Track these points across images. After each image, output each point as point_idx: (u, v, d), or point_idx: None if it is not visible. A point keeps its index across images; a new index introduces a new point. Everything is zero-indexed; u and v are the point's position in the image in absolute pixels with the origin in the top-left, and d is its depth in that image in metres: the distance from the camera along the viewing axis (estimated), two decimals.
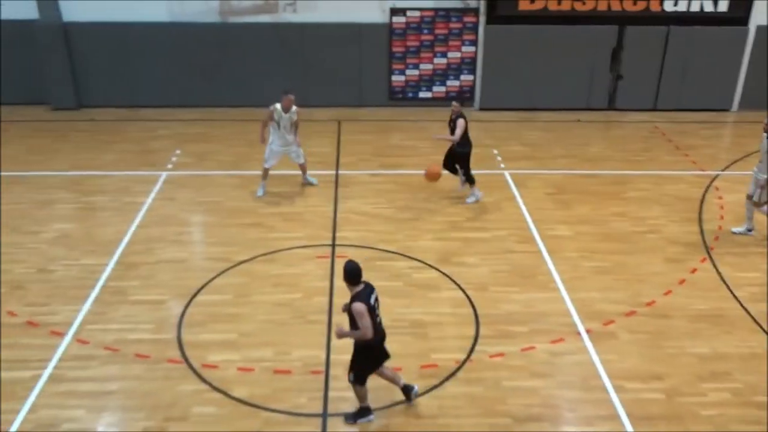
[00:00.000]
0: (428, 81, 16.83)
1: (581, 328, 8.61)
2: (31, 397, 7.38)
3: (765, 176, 10.33)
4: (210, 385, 7.55)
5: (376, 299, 6.75)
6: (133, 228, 10.93)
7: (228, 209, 11.60)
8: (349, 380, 6.93)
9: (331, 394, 7.48)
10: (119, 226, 10.95)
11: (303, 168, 12.35)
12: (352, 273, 6.62)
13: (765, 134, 10.30)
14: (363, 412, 7.12)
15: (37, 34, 15.71)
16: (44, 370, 7.76)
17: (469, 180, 11.84)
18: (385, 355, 6.98)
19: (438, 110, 16.19)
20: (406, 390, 7.26)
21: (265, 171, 11.95)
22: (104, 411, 7.23)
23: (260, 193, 12.02)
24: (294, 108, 11.61)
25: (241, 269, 9.80)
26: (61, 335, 8.34)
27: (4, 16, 15.77)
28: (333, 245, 10.48)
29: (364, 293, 6.64)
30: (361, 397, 7.05)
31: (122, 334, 8.38)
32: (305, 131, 14.69)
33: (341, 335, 6.71)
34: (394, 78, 16.76)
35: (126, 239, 10.60)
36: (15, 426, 7.00)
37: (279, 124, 11.64)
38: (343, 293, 9.09)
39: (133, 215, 11.31)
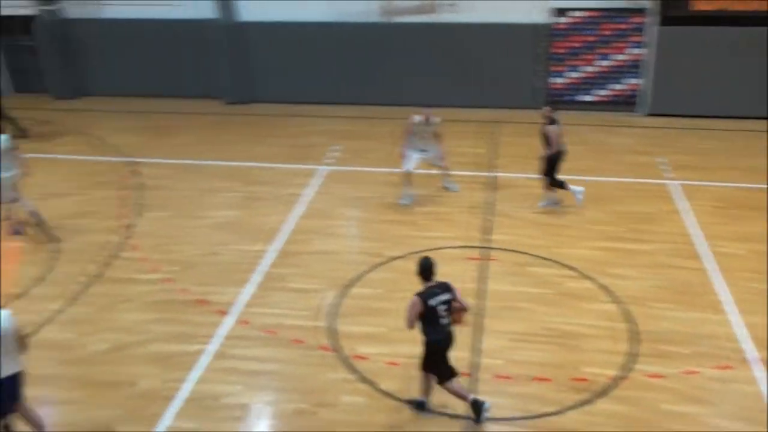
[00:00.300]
0: (589, 84, 16.30)
1: (754, 356, 7.97)
2: (197, 369, 7.95)
3: None
4: (360, 375, 7.76)
5: (445, 302, 6.75)
6: (291, 218, 11.45)
7: (382, 206, 11.85)
8: (423, 369, 7.05)
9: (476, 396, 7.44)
10: (279, 216, 11.51)
11: (444, 169, 12.17)
12: (423, 269, 6.80)
13: None
14: (417, 404, 7.22)
15: (214, 33, 16.82)
16: (209, 346, 8.33)
17: (554, 184, 11.37)
18: (445, 363, 6.94)
19: (598, 115, 15.68)
20: (476, 405, 6.99)
21: (407, 176, 11.71)
22: (261, 390, 7.65)
23: (404, 201, 11.77)
24: (436, 119, 11.53)
25: (393, 265, 9.98)
26: (225, 315, 8.91)
27: (185, 16, 17.04)
28: (485, 247, 10.42)
29: (428, 292, 6.73)
30: (424, 389, 7.14)
31: (280, 318, 8.81)
32: (460, 132, 14.78)
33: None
34: (552, 80, 16.38)
35: (285, 228, 11.12)
36: (182, 394, 7.57)
37: (416, 136, 11.64)
38: (494, 297, 9.14)
39: (291, 206, 11.83)
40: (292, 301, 9.19)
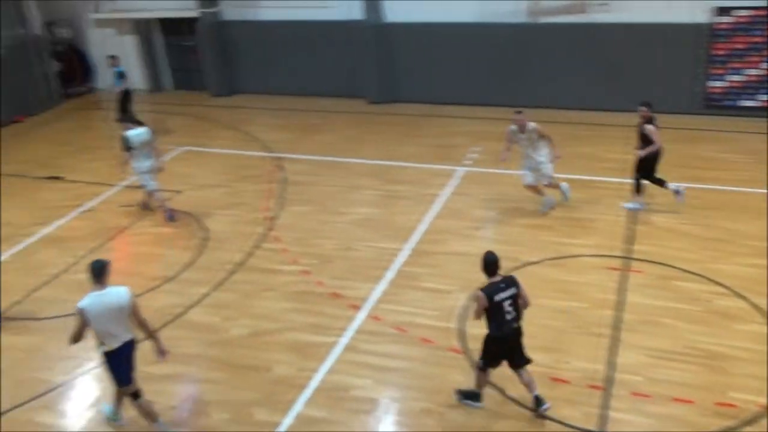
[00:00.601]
0: (753, 88, 15.12)
1: None
2: (329, 360, 8.18)
3: None
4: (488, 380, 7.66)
5: (510, 297, 6.85)
6: (427, 218, 11.50)
7: (519, 209, 11.63)
8: (478, 367, 7.22)
9: (609, 413, 7.14)
10: (415, 215, 11.60)
11: (550, 186, 11.49)
12: (487, 264, 6.93)
13: None
14: (473, 395, 7.31)
15: (361, 34, 17.22)
16: (341, 338, 8.55)
17: (655, 182, 11.05)
18: (507, 351, 7.04)
19: (761, 121, 14.52)
20: (538, 402, 7.07)
21: (533, 188, 11.37)
22: (388, 385, 7.75)
23: (543, 209, 11.51)
24: (531, 125, 10.92)
25: (528, 270, 9.77)
26: (358, 309, 9.11)
27: (335, 17, 17.57)
28: (627, 258, 9.96)
29: (493, 287, 6.83)
30: (478, 382, 7.25)
31: (410, 317, 8.88)
32: (609, 137, 14.24)
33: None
34: (711, 83, 15.35)
35: (421, 228, 11.19)
36: (313, 383, 7.83)
37: (519, 145, 11.22)
38: (634, 310, 8.71)
39: (428, 206, 11.88)
40: (423, 301, 9.23)
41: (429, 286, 9.57)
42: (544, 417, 7.09)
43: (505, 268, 9.71)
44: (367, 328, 8.75)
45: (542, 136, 11.03)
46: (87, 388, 8.14)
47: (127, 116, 14.53)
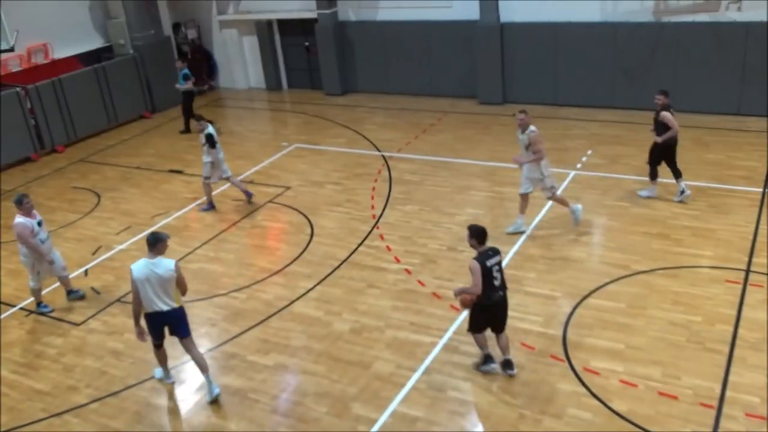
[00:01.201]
0: None
1: None
2: (427, 360, 8.15)
3: None
4: (589, 390, 7.39)
5: (497, 264, 7.39)
6: (535, 222, 11.24)
7: (634, 216, 11.15)
8: (467, 330, 7.78)
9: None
10: (524, 218, 11.34)
11: (554, 200, 10.94)
12: (477, 233, 7.49)
13: None
14: (485, 360, 7.81)
15: (475, 34, 17.08)
16: (441, 339, 8.50)
17: (676, 174, 11.31)
18: (493, 319, 7.57)
19: None
20: (508, 364, 7.69)
21: (558, 198, 10.90)
22: (486, 389, 7.62)
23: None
24: (531, 129, 10.29)
25: (639, 279, 9.35)
26: (458, 311, 9.00)
27: (451, 17, 17.52)
28: (748, 271, 9.32)
29: (484, 255, 7.38)
30: (480, 345, 7.79)
31: (513, 321, 8.66)
32: (738, 142, 13.42)
33: (458, 292, 7.52)
34: None
35: (527, 231, 10.94)
36: (411, 382, 7.82)
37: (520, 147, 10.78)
38: (752, 326, 8.15)
39: (537, 209, 11.61)
40: (526, 305, 9.03)
41: (533, 291, 9.35)
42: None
43: (614, 275, 9.44)
44: (467, 329, 8.62)
45: (532, 145, 10.36)
46: (196, 373, 8.49)
47: (192, 114, 15.70)
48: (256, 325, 9.26)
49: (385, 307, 9.35)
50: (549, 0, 16.10)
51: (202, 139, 12.43)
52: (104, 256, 11.61)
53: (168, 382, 8.34)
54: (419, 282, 9.85)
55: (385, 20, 18.61)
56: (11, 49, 15.27)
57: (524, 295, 9.26)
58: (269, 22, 20.42)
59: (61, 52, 18.53)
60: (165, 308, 7.54)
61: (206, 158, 12.49)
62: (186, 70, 17.59)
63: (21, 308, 10.28)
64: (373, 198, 12.76)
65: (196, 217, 12.75)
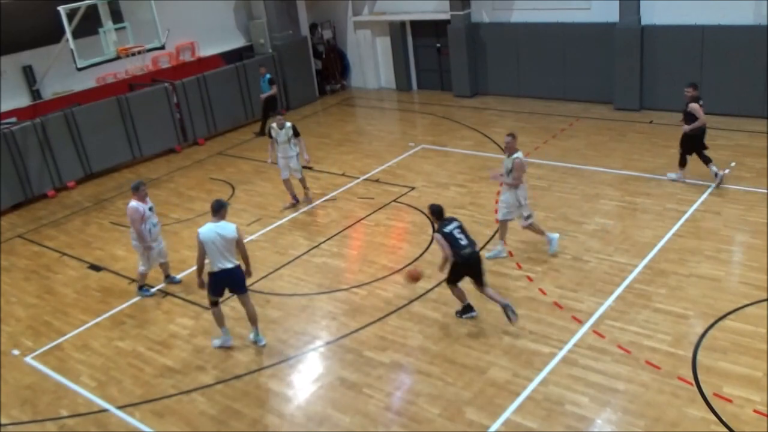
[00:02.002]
0: None
1: None
2: (545, 371, 7.94)
3: None
4: (719, 418, 6.92)
5: (458, 227, 8.71)
6: (669, 235, 10.68)
7: None
8: (447, 282, 8.97)
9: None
10: (656, 231, 10.83)
11: (530, 229, 10.59)
12: (435, 211, 8.82)
13: None
14: (465, 309, 9.12)
15: (614, 36, 16.45)
16: (560, 351, 8.25)
17: (703, 159, 12.22)
18: (470, 273, 8.72)
19: None
20: (508, 309, 8.72)
21: (534, 227, 10.54)
22: (606, 406, 7.32)
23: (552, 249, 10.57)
24: (516, 155, 9.98)
25: None
26: (580, 323, 8.73)
27: (587, 19, 16.99)
28: None
29: (441, 224, 8.71)
30: (459, 297, 9.06)
31: (638, 338, 8.31)
32: None
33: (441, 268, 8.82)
34: None
35: (660, 245, 10.42)
36: (526, 391, 7.65)
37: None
38: None
39: (672, 222, 11.03)
40: (654, 322, 8.59)
41: (662, 308, 8.88)
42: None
43: (752, 296, 8.81)
44: (588, 343, 8.34)
45: (513, 171, 10.02)
46: (314, 364, 8.74)
47: (270, 115, 16.95)
48: (374, 321, 9.39)
49: (502, 312, 9.17)
50: (696, 1, 15.23)
51: (288, 133, 12.89)
52: None
53: (228, 344, 9.14)
54: (540, 290, 9.61)
55: (519, 22, 18.31)
56: (162, 47, 16.32)
57: (653, 312, 8.81)
58: (402, 23, 20.64)
59: (206, 51, 19.64)
60: (229, 266, 8.55)
61: (294, 151, 13.00)
62: (269, 75, 18.06)
63: (159, 289, 10.97)
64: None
65: (323, 213, 13.10)
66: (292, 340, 9.20)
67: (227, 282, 8.72)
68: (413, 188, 13.61)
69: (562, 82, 17.95)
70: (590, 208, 11.97)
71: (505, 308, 8.71)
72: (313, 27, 21.88)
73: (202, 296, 10.52)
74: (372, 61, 21.86)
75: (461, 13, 18.83)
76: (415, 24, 20.57)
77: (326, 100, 21.61)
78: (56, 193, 15.82)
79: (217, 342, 9.20)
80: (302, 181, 13.43)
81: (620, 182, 12.90)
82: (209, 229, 8.44)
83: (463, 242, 8.62)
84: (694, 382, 7.48)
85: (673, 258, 10.03)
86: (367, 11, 21.46)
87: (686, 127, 12.01)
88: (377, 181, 14.23)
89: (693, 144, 12.14)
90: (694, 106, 11.81)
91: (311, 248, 11.69)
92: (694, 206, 11.49)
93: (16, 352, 9.78)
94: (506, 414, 7.38)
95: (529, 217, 10.44)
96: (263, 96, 18.15)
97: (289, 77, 20.47)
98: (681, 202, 11.69)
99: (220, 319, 9.08)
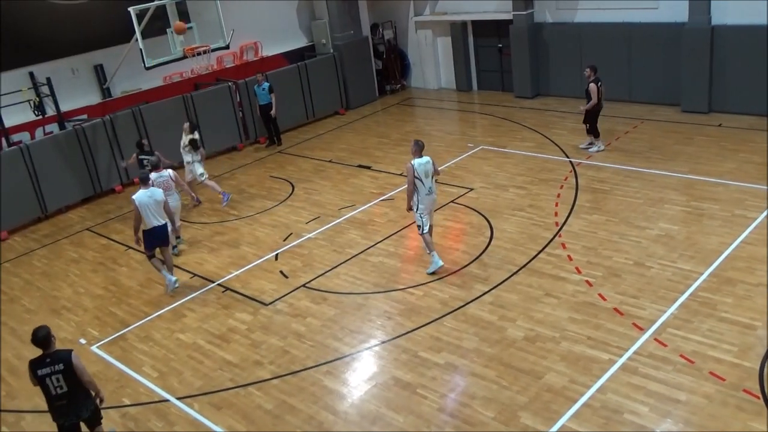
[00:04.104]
0: None
1: None
2: (603, 378, 7.78)
3: None
4: None
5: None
6: (737, 242, 10.31)
7: None
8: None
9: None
10: (723, 238, 10.47)
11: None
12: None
13: None
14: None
15: (683, 37, 15.98)
16: (619, 358, 8.07)
17: (593, 132, 14.54)
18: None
19: None
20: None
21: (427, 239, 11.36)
22: (667, 417, 7.13)
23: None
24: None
25: None
26: (641, 330, 8.52)
27: (658, 19, 16.55)
28: None
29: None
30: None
31: (702, 347, 8.06)
32: None
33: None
34: None
35: (727, 252, 10.08)
36: (584, 398, 7.51)
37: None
38: None
39: (740, 229, 10.65)
40: (720, 332, 8.30)
41: (729, 317, 8.58)
42: None
43: None
44: (649, 350, 8.13)
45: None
46: (369, 363, 8.78)
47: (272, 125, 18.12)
48: (430, 322, 9.37)
49: (562, 318, 9.05)
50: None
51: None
52: (294, 243, 12.31)
53: (175, 285, 10.93)
54: (600, 296, 9.42)
55: (584, 22, 17.98)
56: (227, 47, 16.65)
57: (718, 321, 8.53)
58: (464, 23, 20.52)
59: (269, 50, 19.95)
60: (157, 223, 10.53)
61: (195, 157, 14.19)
62: (267, 83, 17.73)
63: (219, 284, 11.20)
64: (557, 205, 12.40)
65: (380, 212, 13.14)
66: (348, 339, 9.26)
67: (158, 235, 10.62)
68: (471, 189, 13.52)
69: (627, 84, 17.52)
70: (654, 212, 11.67)
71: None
72: (374, 27, 21.97)
73: (262, 292, 10.73)
74: (432, 61, 21.80)
75: (524, 13, 18.60)
76: (476, 24, 20.42)
77: (386, 99, 21.66)
78: (123, 189, 16.32)
79: (171, 282, 10.95)
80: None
81: (686, 187, 12.53)
82: (143, 194, 10.41)
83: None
84: (760, 395, 7.20)
85: (740, 266, 9.68)
86: (428, 11, 21.42)
87: (582, 107, 14.59)
88: (435, 181, 14.16)
89: (590, 119, 14.42)
90: (591, 87, 14.10)
91: (368, 247, 11.74)
92: (764, 213, 11.07)
93: (83, 341, 10.14)
94: (562, 420, 7.26)
95: (420, 227, 10.56)
96: (266, 105, 17.70)
97: (350, 77, 20.60)
98: (750, 209, 11.28)
99: (159, 266, 10.95)
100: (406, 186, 10.28)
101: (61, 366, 6.82)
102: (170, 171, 11.92)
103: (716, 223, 11.03)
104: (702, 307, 8.87)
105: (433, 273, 10.55)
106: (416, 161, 10.09)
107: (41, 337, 6.79)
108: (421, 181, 10.13)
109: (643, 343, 8.27)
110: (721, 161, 13.43)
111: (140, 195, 10.45)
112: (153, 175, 11.44)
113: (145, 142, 14.37)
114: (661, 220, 11.37)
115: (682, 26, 15.96)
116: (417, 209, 10.32)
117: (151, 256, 10.92)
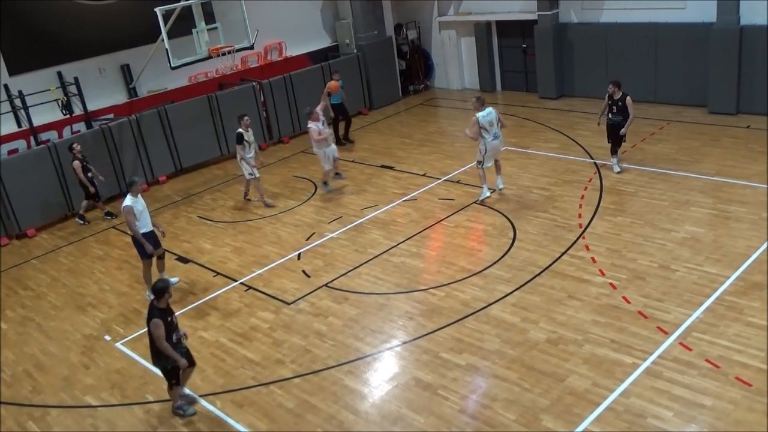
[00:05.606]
0: None
1: None
2: (626, 382, 7.70)
3: None
4: None
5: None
6: (764, 246, 10.15)
7: None
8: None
9: None
10: (751, 241, 10.32)
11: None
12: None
13: None
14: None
15: (710, 37, 15.77)
16: (643, 362, 7.98)
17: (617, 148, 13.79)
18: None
19: None
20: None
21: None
22: (692, 422, 7.03)
23: None
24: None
25: None
26: (666, 334, 8.42)
27: (685, 19, 16.35)
28: None
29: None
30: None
31: (728, 352, 7.94)
32: None
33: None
34: None
35: (755, 256, 9.92)
36: (607, 402, 7.44)
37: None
38: None
39: (763, 231, 10.49)
40: (747, 337, 8.18)
41: (756, 322, 8.44)
42: None
43: None
44: (673, 355, 8.03)
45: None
46: (390, 363, 8.77)
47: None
48: (451, 323, 9.34)
49: (585, 320, 8.97)
50: None
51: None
52: (316, 243, 12.35)
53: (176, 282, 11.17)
54: (624, 298, 9.32)
55: (610, 22, 17.81)
56: (251, 47, 16.74)
57: (744, 326, 8.40)
58: (488, 24, 20.44)
59: (293, 51, 20.03)
60: (152, 228, 10.77)
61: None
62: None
63: (241, 283, 11.26)
64: (581, 206, 12.29)
65: (402, 213, 13.13)
66: (369, 338, 9.26)
67: (155, 238, 10.86)
68: (494, 190, 13.46)
69: (653, 85, 17.33)
70: (680, 215, 11.52)
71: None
72: (398, 27, 21.96)
73: (284, 291, 10.78)
74: (456, 62, 21.75)
75: (549, 13, 18.48)
76: (500, 24, 20.34)
77: (409, 100, 21.64)
78: (148, 187, 16.48)
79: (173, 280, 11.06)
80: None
81: (713, 189, 12.36)
82: (136, 201, 10.52)
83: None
84: None
85: None
86: (452, 11, 21.36)
87: (622, 131, 13.44)
88: (458, 182, 14.15)
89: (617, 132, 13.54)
90: (629, 101, 13.26)
91: (390, 248, 11.74)
92: None
93: (107, 337, 10.26)
94: (584, 424, 7.20)
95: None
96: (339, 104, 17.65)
97: (373, 77, 20.61)
98: None
99: (152, 275, 10.98)
100: (470, 135, 12.56)
101: None
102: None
103: (744, 226, 10.87)
104: (728, 311, 8.74)
105: (481, 202, 12.79)
106: (480, 114, 12.20)
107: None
108: (486, 129, 12.27)
109: (668, 347, 8.17)
110: (749, 163, 13.23)
111: (134, 202, 10.50)
112: None
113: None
114: (687, 222, 11.22)
115: (710, 26, 15.75)
116: (484, 152, 12.52)
117: (150, 255, 10.84)
